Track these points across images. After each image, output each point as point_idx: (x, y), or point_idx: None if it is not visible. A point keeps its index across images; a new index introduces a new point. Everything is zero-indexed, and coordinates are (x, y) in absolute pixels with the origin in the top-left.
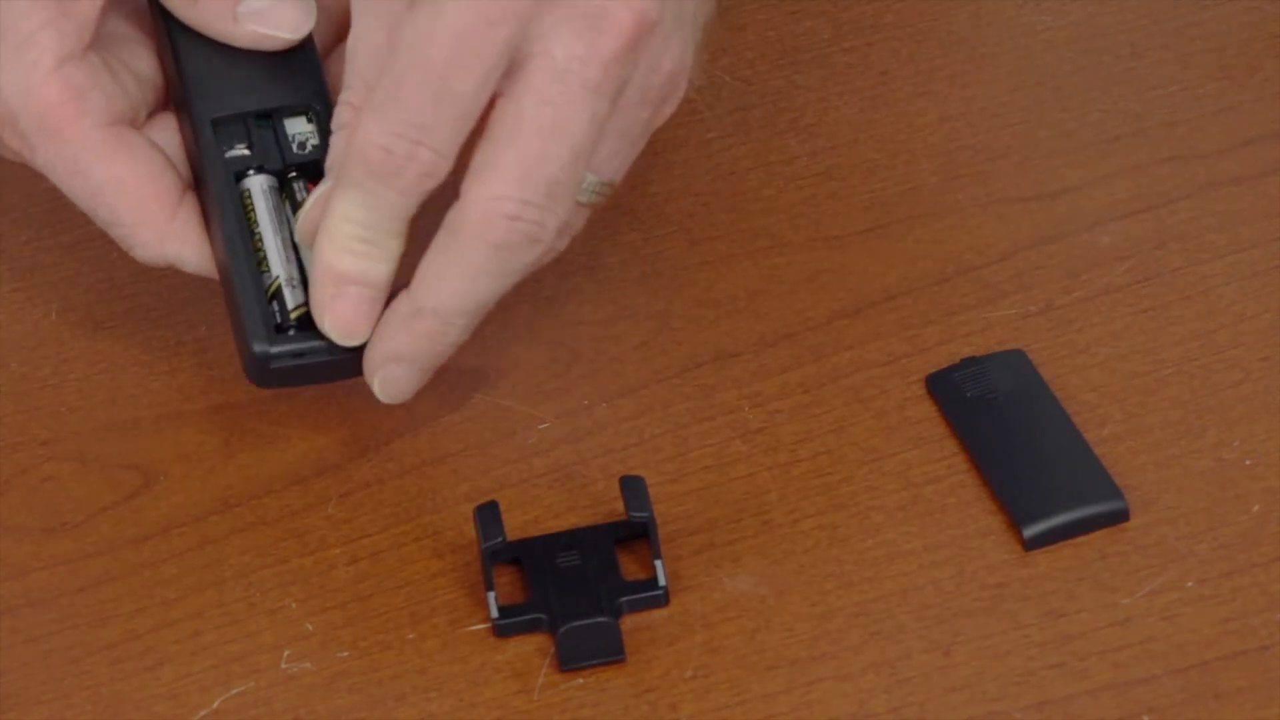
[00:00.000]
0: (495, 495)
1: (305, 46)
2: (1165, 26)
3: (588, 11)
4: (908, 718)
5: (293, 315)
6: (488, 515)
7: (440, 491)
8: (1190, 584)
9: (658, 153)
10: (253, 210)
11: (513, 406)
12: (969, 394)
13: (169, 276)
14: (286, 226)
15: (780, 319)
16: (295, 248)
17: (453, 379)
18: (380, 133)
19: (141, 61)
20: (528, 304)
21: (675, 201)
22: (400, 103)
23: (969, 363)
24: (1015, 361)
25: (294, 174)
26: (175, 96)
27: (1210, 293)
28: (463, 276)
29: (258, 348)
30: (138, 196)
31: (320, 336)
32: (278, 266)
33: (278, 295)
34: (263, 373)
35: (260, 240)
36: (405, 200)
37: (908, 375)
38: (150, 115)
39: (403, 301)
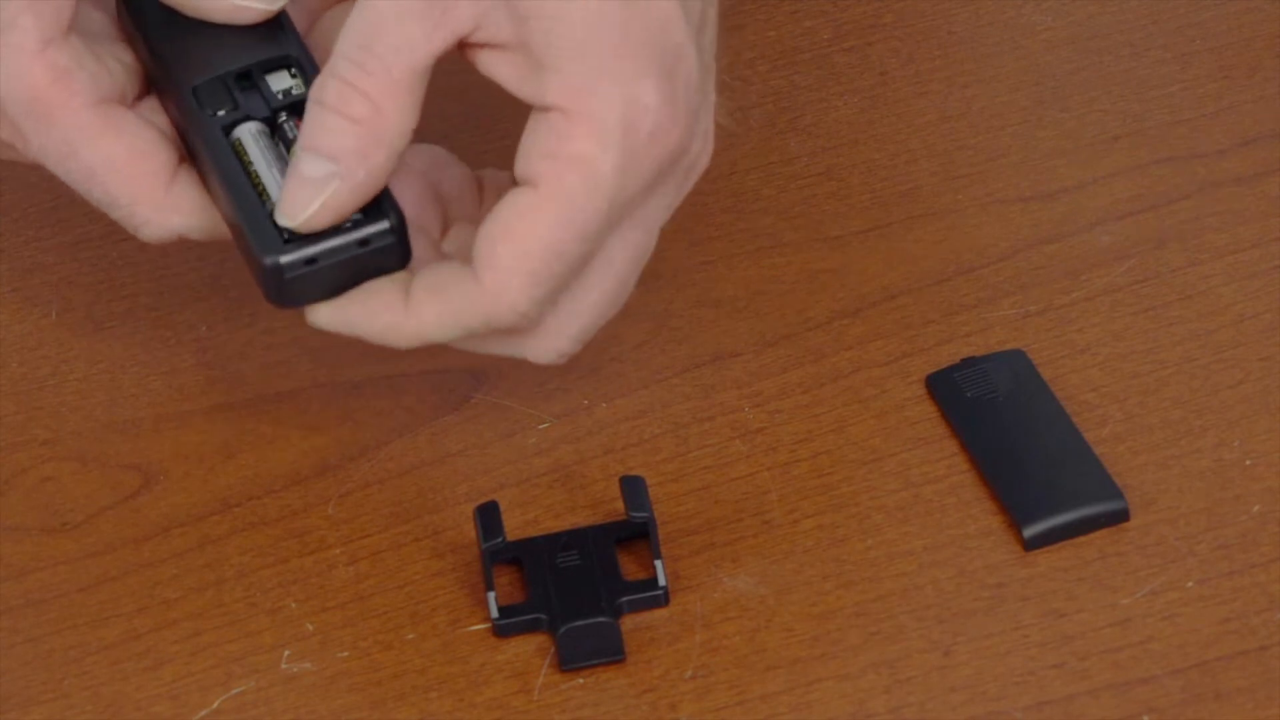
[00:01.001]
0: (495, 495)
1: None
2: (1165, 26)
3: (685, 166)
4: (908, 718)
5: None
6: (488, 515)
7: (440, 491)
8: (1190, 584)
9: None
10: (246, 153)
11: (513, 406)
12: (969, 394)
13: (169, 276)
14: (282, 161)
15: (780, 319)
16: None
17: (453, 379)
18: (527, 301)
19: (123, 51)
20: None
21: None
22: (551, 276)
23: (969, 363)
24: (1015, 361)
25: (283, 117)
26: (154, 80)
27: (1210, 293)
28: (463, 343)
29: (268, 260)
30: (130, 174)
31: (328, 236)
32: (278, 192)
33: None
34: (280, 287)
35: (258, 177)
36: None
37: (908, 375)
38: (138, 98)
39: (398, 311)
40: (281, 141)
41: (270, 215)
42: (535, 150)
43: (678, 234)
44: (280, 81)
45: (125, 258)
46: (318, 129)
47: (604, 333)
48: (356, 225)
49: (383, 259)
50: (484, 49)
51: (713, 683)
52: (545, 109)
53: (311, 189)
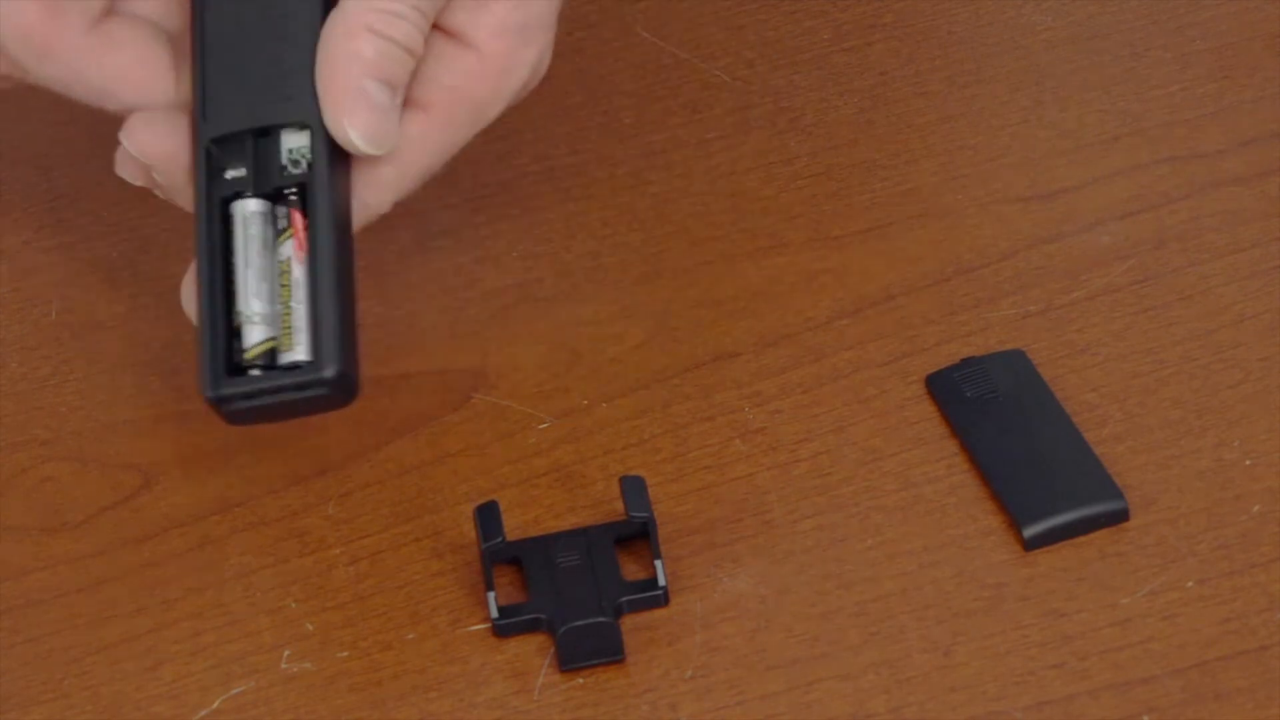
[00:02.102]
0: (495, 495)
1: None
2: (1165, 26)
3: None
4: (908, 718)
5: (249, 354)
6: (488, 515)
7: (440, 491)
8: (1190, 584)
9: (657, 153)
10: (233, 240)
11: (513, 406)
12: (969, 394)
13: (169, 277)
14: (269, 250)
15: (780, 319)
16: (275, 278)
17: (453, 379)
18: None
19: None
20: (528, 304)
21: (675, 201)
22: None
23: (969, 363)
24: (1015, 361)
25: (289, 192)
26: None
27: (1210, 293)
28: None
29: (208, 393)
30: (142, 82)
31: (277, 374)
32: (245, 301)
33: (240, 333)
34: (222, 414)
35: (233, 273)
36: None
37: (908, 375)
38: None
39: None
40: (272, 226)
41: (229, 327)
42: (437, 80)
43: (678, 234)
44: (293, 139)
45: (125, 258)
46: (387, 61)
47: (604, 332)
48: (305, 369)
49: (324, 404)
50: None
51: (713, 683)
52: (456, 40)
53: (385, 115)
